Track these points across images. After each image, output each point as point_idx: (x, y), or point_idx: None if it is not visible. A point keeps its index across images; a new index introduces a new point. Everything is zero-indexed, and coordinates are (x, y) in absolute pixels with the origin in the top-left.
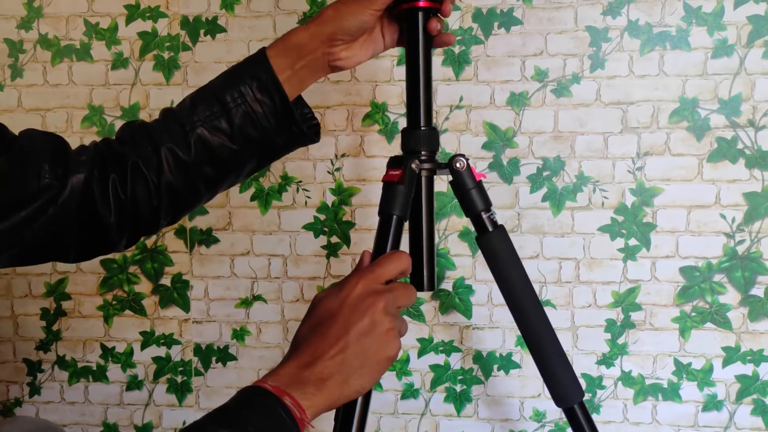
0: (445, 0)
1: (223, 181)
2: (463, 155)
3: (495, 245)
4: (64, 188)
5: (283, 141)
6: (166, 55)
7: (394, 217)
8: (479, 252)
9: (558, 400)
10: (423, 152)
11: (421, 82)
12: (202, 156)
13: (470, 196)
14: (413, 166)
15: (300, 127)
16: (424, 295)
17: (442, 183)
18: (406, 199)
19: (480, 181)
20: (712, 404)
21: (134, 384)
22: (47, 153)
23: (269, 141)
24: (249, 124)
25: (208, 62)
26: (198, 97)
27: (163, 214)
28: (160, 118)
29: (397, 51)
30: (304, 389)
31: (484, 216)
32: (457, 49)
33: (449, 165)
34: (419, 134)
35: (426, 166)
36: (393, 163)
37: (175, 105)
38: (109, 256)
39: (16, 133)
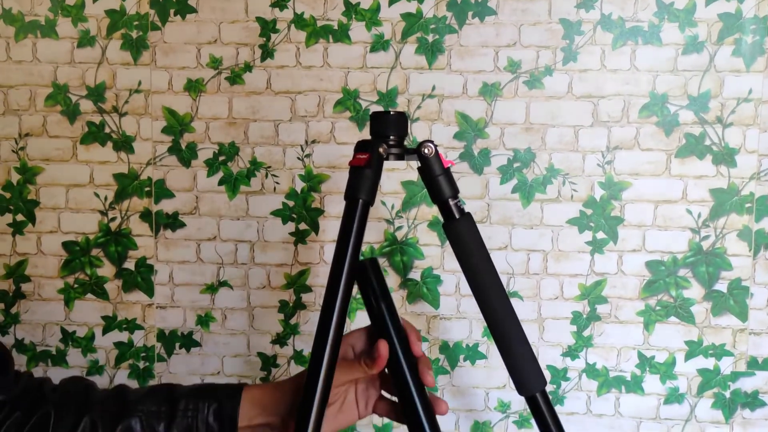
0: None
1: None
2: (431, 141)
3: (461, 232)
4: None
5: None
6: (134, 34)
7: (360, 201)
8: (447, 242)
9: (520, 388)
10: (391, 137)
11: None
12: None
13: (438, 182)
14: (381, 150)
15: None
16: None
17: (412, 172)
18: (373, 184)
19: (448, 167)
20: (673, 397)
21: (95, 369)
22: None
23: None
24: None
25: (177, 43)
26: (157, 389)
27: None
28: (110, 390)
29: (370, 37)
30: None
31: (451, 203)
32: (430, 38)
33: (417, 151)
34: (388, 118)
35: (394, 151)
36: (360, 147)
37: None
38: (71, 238)
39: None
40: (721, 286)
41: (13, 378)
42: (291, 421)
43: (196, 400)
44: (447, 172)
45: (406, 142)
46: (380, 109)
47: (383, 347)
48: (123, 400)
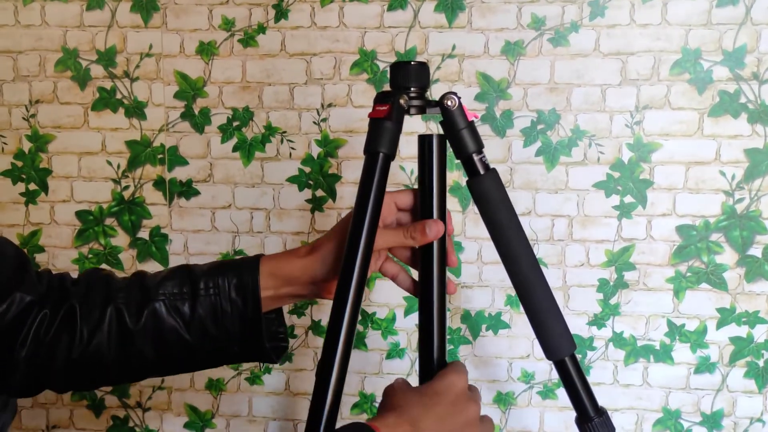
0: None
1: (155, 369)
2: (455, 93)
3: (487, 189)
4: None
5: (240, 350)
6: None
7: (381, 154)
8: (469, 208)
9: (548, 352)
10: (412, 88)
11: None
12: (149, 332)
13: (461, 136)
14: (401, 101)
15: (262, 343)
16: None
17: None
18: (393, 136)
19: (472, 121)
20: (704, 366)
21: None
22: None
23: (225, 344)
24: (211, 318)
25: (188, 4)
26: (175, 271)
27: (74, 374)
28: (129, 278)
29: None
30: None
31: (476, 158)
32: None
33: (440, 103)
34: (409, 68)
35: (415, 102)
36: (380, 98)
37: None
38: (84, 207)
39: None
40: (756, 251)
41: (36, 277)
42: (326, 285)
43: (215, 278)
44: (471, 126)
45: (426, 93)
46: None
47: (441, 229)
48: (144, 286)
